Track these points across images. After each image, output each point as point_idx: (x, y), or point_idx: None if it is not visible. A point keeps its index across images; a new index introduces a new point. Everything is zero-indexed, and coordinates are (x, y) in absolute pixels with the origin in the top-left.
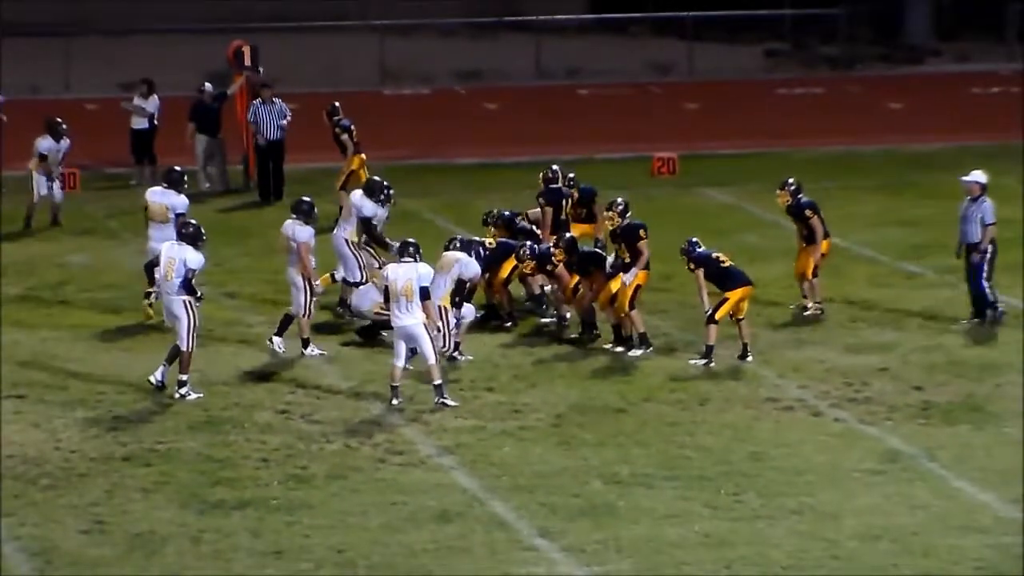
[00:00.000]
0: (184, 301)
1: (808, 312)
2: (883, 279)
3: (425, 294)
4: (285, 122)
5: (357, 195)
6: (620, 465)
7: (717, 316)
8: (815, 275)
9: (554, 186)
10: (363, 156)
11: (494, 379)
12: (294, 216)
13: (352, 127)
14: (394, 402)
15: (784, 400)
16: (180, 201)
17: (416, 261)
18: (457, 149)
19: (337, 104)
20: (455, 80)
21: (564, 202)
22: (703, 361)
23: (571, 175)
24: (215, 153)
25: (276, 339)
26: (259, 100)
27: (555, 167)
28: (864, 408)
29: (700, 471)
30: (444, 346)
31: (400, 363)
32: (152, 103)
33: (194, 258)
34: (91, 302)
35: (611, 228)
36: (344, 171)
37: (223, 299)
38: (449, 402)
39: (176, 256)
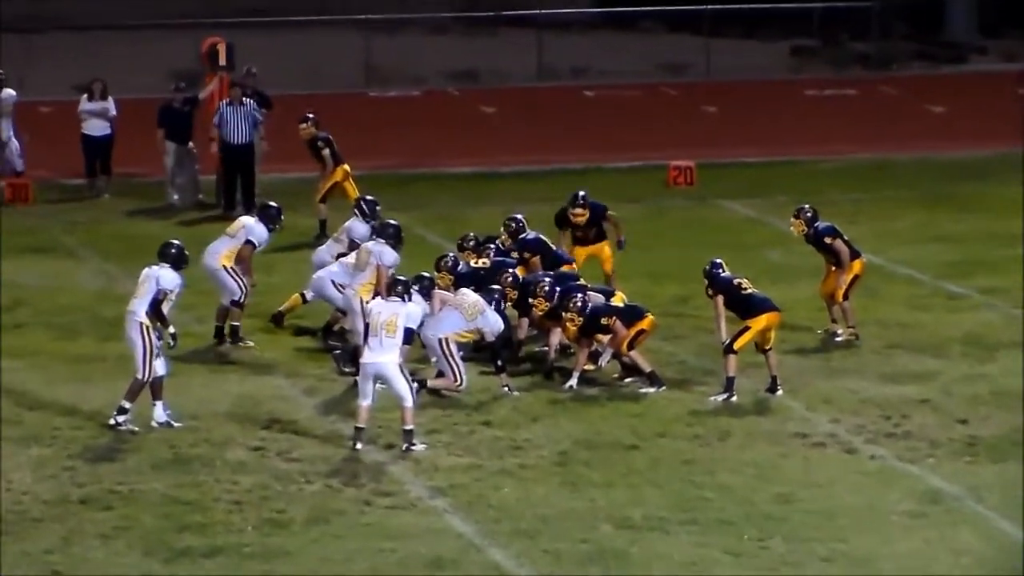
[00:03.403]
0: (142, 325)
1: (840, 337)
2: (922, 301)
3: (408, 338)
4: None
5: (372, 245)
6: (632, 507)
7: (736, 346)
8: (846, 297)
9: (525, 236)
10: (347, 167)
11: (492, 412)
12: (377, 238)
13: (331, 138)
14: (357, 446)
15: (814, 435)
16: (260, 232)
17: (404, 301)
18: (450, 157)
19: (311, 115)
20: (448, 81)
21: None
22: (724, 395)
23: (581, 192)
24: (184, 162)
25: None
26: (226, 101)
27: (518, 216)
28: (903, 444)
29: (720, 514)
30: (458, 382)
31: (367, 403)
32: (111, 104)
33: (168, 277)
34: (46, 327)
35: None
36: (325, 183)
37: (192, 324)
38: (417, 447)
39: (151, 275)
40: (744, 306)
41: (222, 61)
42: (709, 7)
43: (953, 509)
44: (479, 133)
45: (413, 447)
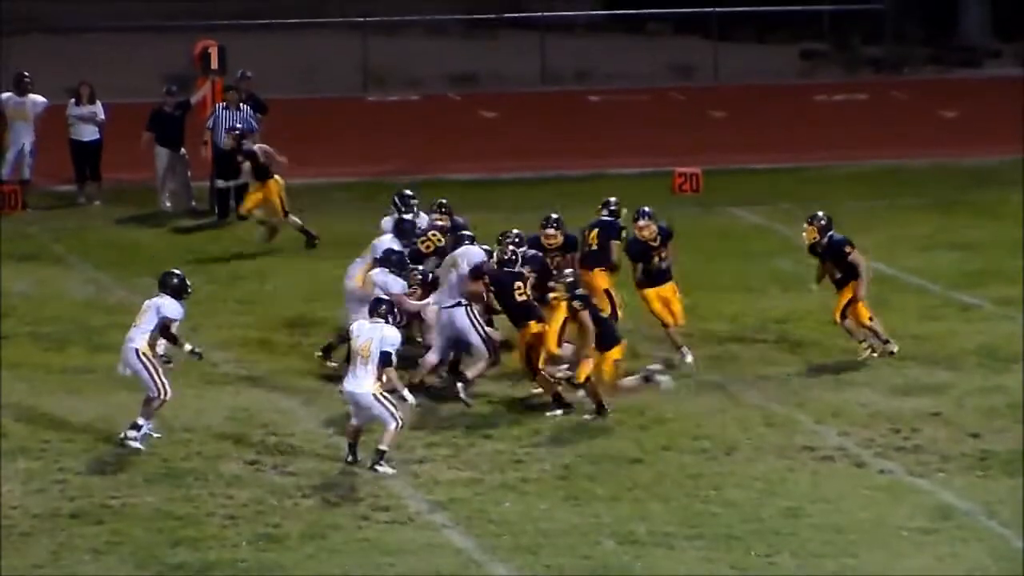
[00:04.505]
0: (138, 351)
1: (875, 353)
2: (935, 311)
3: (387, 360)
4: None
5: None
6: (636, 522)
7: (581, 378)
8: (844, 317)
9: (524, 250)
10: (278, 182)
11: (492, 425)
12: (380, 267)
13: (256, 152)
14: (348, 459)
15: (822, 449)
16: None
17: (386, 322)
18: (450, 163)
19: (239, 126)
20: (448, 85)
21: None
22: (594, 416)
23: (646, 208)
24: (176, 168)
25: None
26: (223, 104)
27: (515, 231)
28: (913, 458)
29: (727, 529)
30: (490, 355)
31: (356, 420)
32: (99, 109)
33: (171, 306)
34: (34, 337)
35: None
36: (251, 195)
37: (187, 334)
38: (382, 469)
39: (152, 306)
40: (601, 332)
41: (214, 64)
42: (717, 9)
43: (965, 525)
44: (480, 139)
45: (378, 467)
